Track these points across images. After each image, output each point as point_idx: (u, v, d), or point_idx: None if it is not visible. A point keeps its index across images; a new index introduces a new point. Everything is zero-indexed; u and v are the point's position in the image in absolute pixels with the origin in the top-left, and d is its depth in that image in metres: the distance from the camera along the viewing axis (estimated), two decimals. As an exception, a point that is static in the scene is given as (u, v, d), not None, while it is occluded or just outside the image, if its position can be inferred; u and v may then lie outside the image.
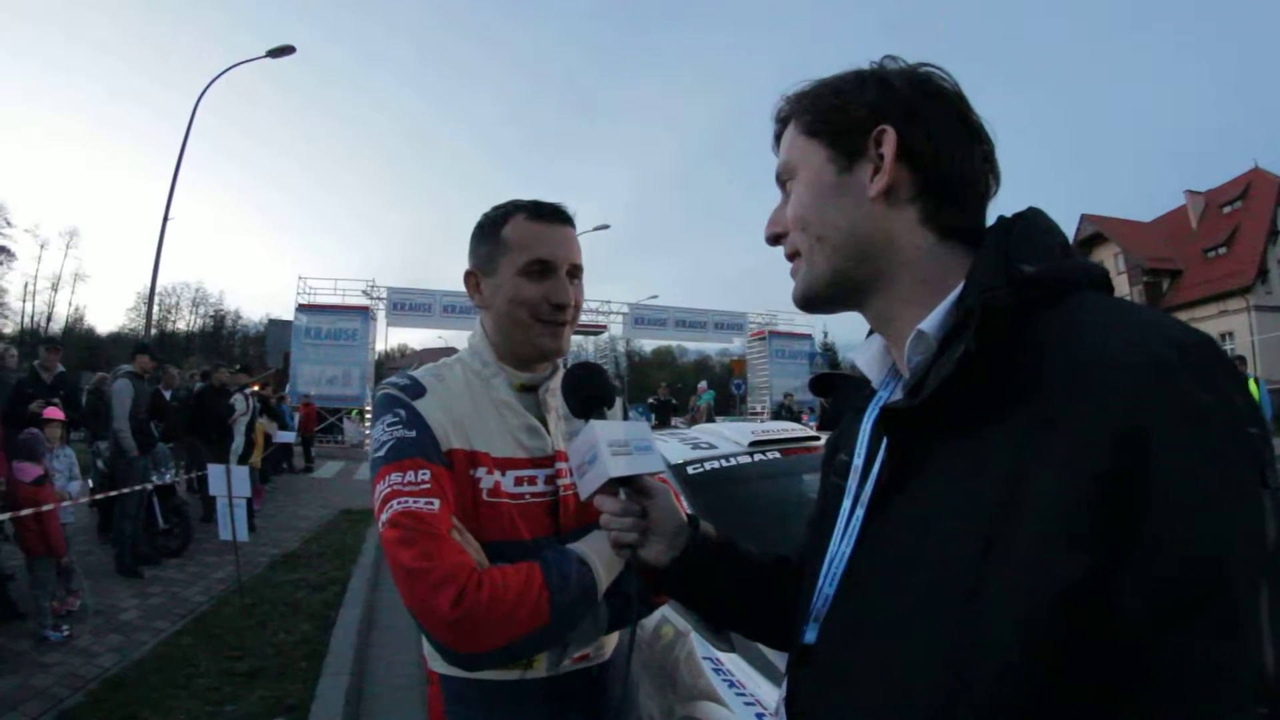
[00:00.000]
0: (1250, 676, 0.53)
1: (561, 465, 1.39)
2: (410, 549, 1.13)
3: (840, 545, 0.83)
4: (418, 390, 1.34)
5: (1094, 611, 0.55)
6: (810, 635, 0.84)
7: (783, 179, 0.88)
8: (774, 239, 0.90)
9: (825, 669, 0.80)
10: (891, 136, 0.77)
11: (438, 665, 1.35)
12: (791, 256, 0.87)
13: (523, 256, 1.36)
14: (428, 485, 1.20)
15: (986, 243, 0.75)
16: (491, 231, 1.40)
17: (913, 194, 0.78)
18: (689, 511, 1.15)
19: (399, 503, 1.18)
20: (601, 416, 1.19)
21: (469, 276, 1.46)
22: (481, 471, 1.32)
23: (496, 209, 1.43)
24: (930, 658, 0.64)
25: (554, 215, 1.41)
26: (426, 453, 1.25)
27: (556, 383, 1.45)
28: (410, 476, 1.21)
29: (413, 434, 1.27)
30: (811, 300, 0.86)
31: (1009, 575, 0.59)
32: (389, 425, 1.28)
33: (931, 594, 0.65)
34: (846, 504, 0.85)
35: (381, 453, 1.25)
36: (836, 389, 1.04)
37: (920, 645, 0.65)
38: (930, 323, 0.75)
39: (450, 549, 1.15)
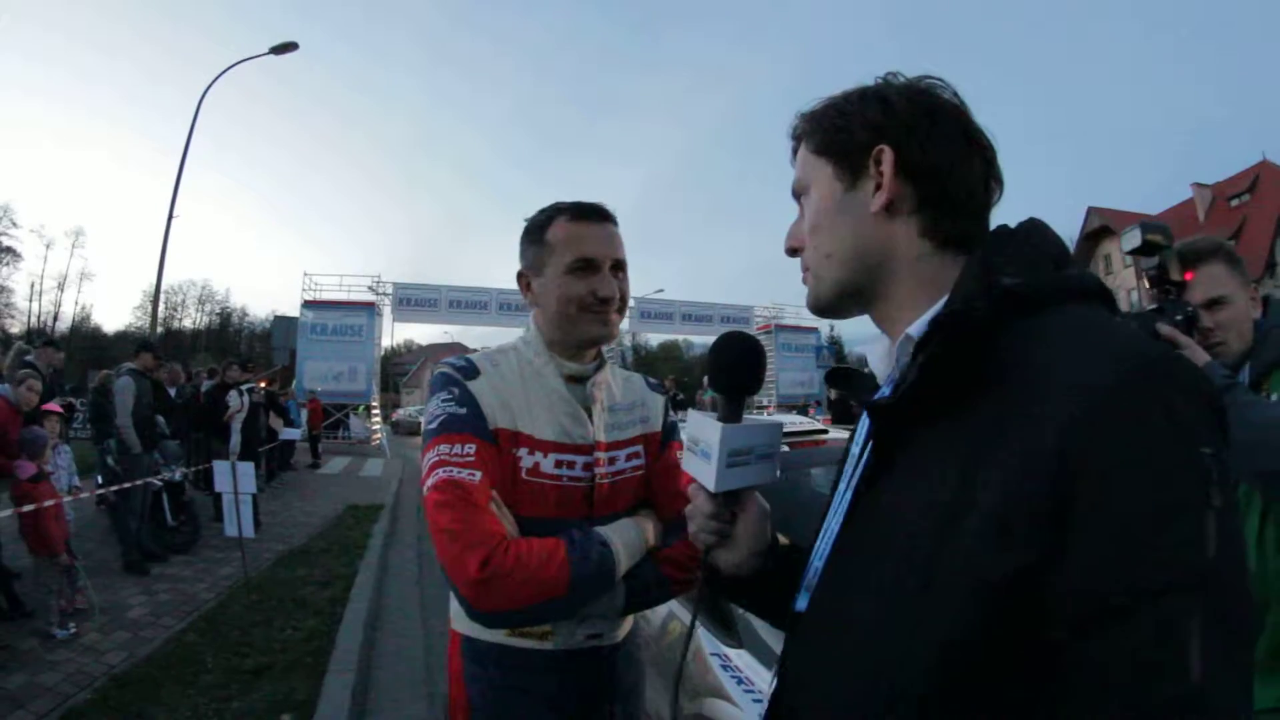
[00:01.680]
0: (1173, 690, 0.55)
1: (600, 455, 1.49)
2: (449, 512, 1.24)
3: (831, 522, 0.91)
4: (472, 372, 1.45)
5: (1025, 609, 0.59)
6: (801, 603, 0.92)
7: (797, 194, 0.94)
8: (792, 252, 0.95)
9: (810, 635, 0.86)
10: (889, 155, 0.81)
11: (460, 625, 1.47)
12: (806, 269, 0.93)
13: (567, 256, 1.45)
14: (471, 458, 1.31)
15: (973, 255, 0.80)
16: (538, 235, 1.50)
17: (913, 207, 0.83)
18: (774, 532, 1.12)
19: (444, 470, 1.29)
20: (742, 407, 1.05)
21: (520, 277, 1.57)
22: (523, 451, 1.41)
23: (542, 213, 1.53)
24: (887, 628, 0.69)
25: (595, 215, 1.50)
26: (475, 429, 1.36)
27: (603, 376, 1.57)
28: (457, 449, 1.32)
29: (463, 410, 1.38)
30: (823, 310, 0.93)
31: (953, 566, 0.64)
32: (443, 401, 1.40)
33: (893, 575, 0.70)
34: (841, 487, 0.94)
35: (433, 425, 1.37)
36: (851, 383, 1.08)
37: (880, 618, 0.70)
38: (917, 327, 0.80)
39: (485, 517, 1.26)
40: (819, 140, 0.89)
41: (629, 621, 1.55)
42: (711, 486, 0.99)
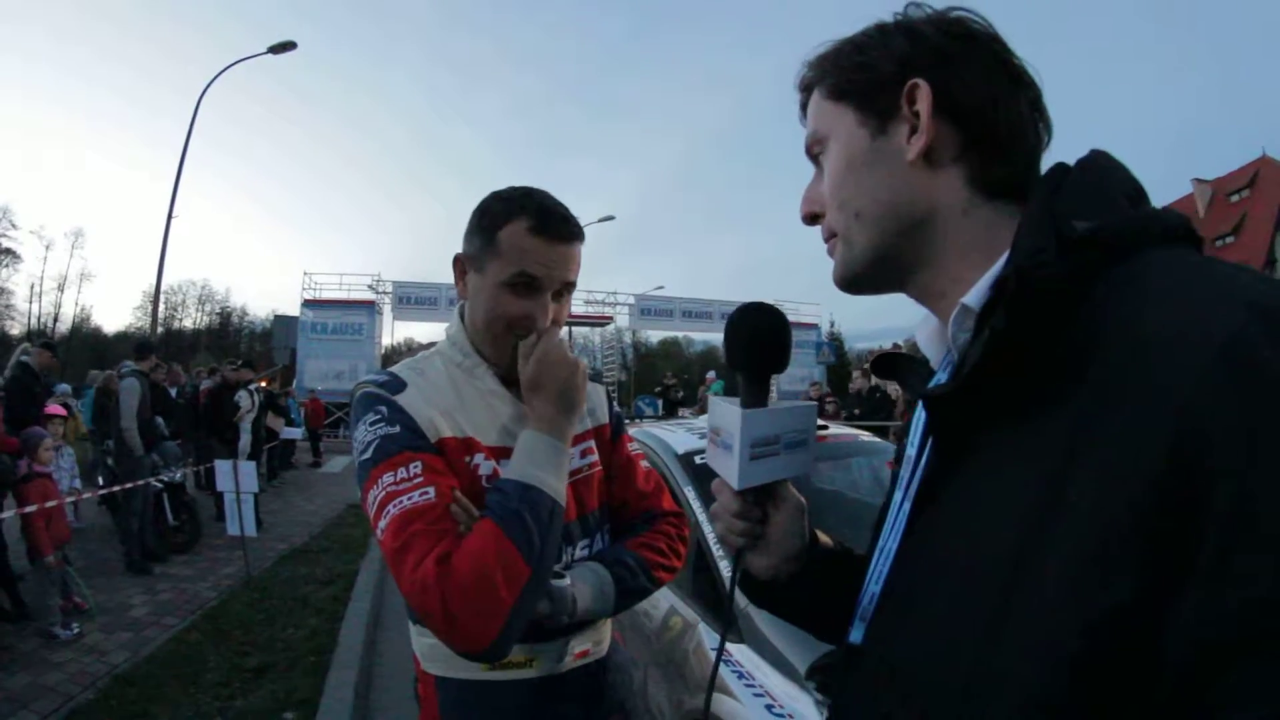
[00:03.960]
0: None
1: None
2: (409, 556, 1.07)
3: (887, 540, 0.78)
4: (398, 385, 1.28)
5: (1133, 649, 0.45)
6: (856, 635, 0.79)
7: (813, 150, 0.81)
8: (810, 218, 0.82)
9: (869, 671, 0.72)
10: (925, 90, 0.69)
11: (433, 667, 1.30)
12: (829, 237, 0.79)
13: (510, 268, 1.26)
14: (421, 477, 1.14)
15: (1034, 197, 0.66)
16: (489, 228, 1.29)
17: (955, 152, 0.70)
18: (812, 530, 0.99)
19: (395, 505, 1.11)
20: (765, 389, 0.92)
21: (457, 261, 1.38)
22: (479, 457, 1.26)
23: (501, 202, 1.30)
24: (953, 679, 0.57)
25: (557, 232, 1.28)
26: (414, 445, 1.19)
27: None
28: (403, 473, 1.14)
29: (396, 429, 1.20)
30: (853, 282, 0.79)
31: (1037, 596, 0.51)
32: (371, 424, 1.21)
33: (959, 607, 0.58)
34: (897, 496, 0.79)
35: (368, 454, 1.19)
36: (899, 370, 0.94)
37: (945, 664, 0.58)
38: (974, 296, 0.66)
39: (444, 547, 1.08)
40: (836, 82, 0.76)
41: (608, 628, 1.44)
42: (735, 483, 0.88)
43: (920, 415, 0.78)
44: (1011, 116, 0.70)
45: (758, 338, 0.92)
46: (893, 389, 11.52)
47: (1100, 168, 0.67)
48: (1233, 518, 0.42)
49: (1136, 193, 0.65)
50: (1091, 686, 0.47)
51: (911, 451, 0.79)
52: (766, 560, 0.95)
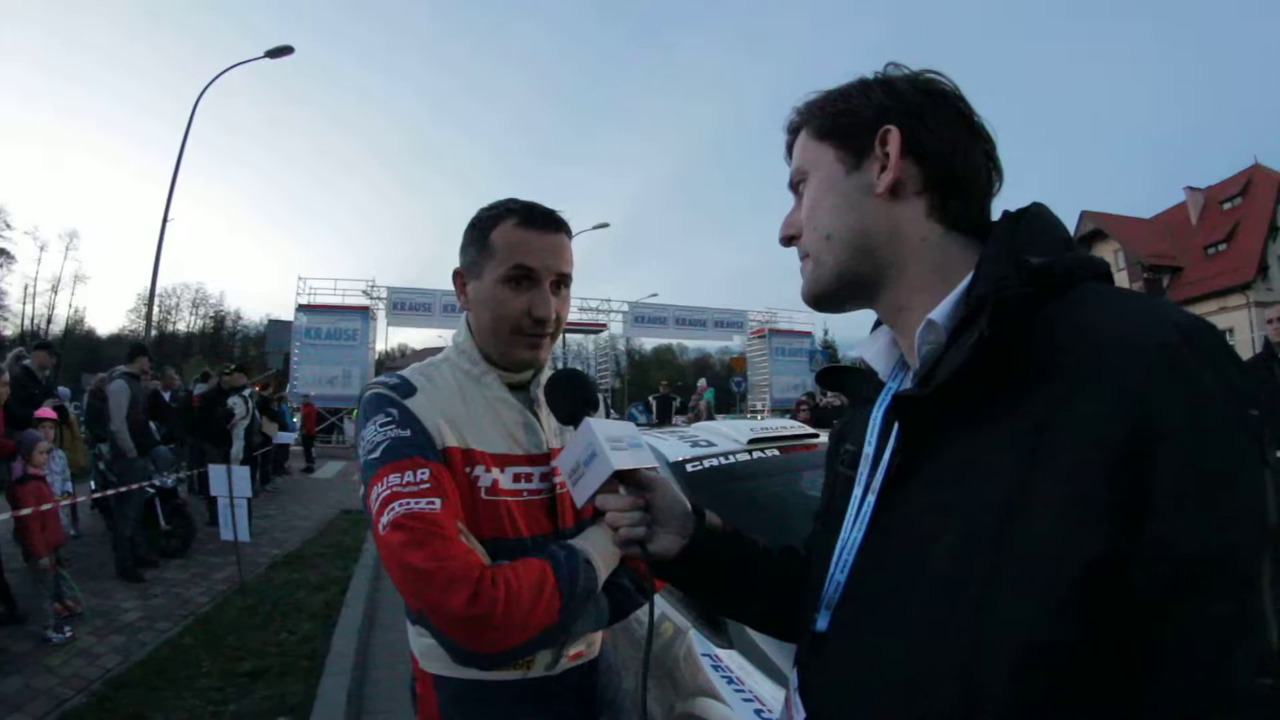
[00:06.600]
0: (1256, 648, 0.55)
1: (556, 463, 1.38)
2: (418, 550, 1.11)
3: (851, 533, 0.85)
4: (408, 389, 1.32)
5: (1111, 588, 0.58)
6: (822, 623, 0.86)
7: (795, 183, 0.92)
8: (787, 240, 0.93)
9: (840, 656, 0.82)
10: (895, 134, 0.80)
11: (432, 666, 1.34)
12: (804, 257, 0.90)
13: (506, 263, 1.33)
14: (428, 485, 1.18)
15: (994, 235, 0.77)
16: (481, 234, 1.37)
17: (919, 188, 0.81)
18: (693, 500, 1.11)
19: (400, 504, 1.14)
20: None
21: (457, 276, 1.45)
22: (479, 470, 1.30)
23: (488, 210, 1.40)
24: (949, 640, 0.66)
25: (545, 222, 1.37)
26: (424, 451, 1.23)
27: (544, 377, 1.43)
28: (410, 476, 1.18)
29: (407, 433, 1.24)
30: (821, 298, 0.90)
31: (1027, 556, 0.61)
32: (381, 425, 1.25)
33: (947, 578, 0.67)
34: (858, 492, 0.87)
35: (376, 454, 1.22)
36: (845, 382, 1.06)
37: (938, 628, 0.67)
38: (940, 312, 0.77)
39: (458, 548, 1.14)
40: (820, 125, 0.87)
41: (599, 631, 1.46)
42: (614, 464, 1.02)
43: (876, 418, 0.89)
44: (967, 161, 0.81)
45: (579, 399, 1.20)
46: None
47: (1043, 218, 0.79)
48: (1177, 469, 0.57)
49: (1067, 240, 0.78)
50: (1083, 625, 0.59)
51: (869, 450, 0.88)
52: (665, 538, 1.04)
